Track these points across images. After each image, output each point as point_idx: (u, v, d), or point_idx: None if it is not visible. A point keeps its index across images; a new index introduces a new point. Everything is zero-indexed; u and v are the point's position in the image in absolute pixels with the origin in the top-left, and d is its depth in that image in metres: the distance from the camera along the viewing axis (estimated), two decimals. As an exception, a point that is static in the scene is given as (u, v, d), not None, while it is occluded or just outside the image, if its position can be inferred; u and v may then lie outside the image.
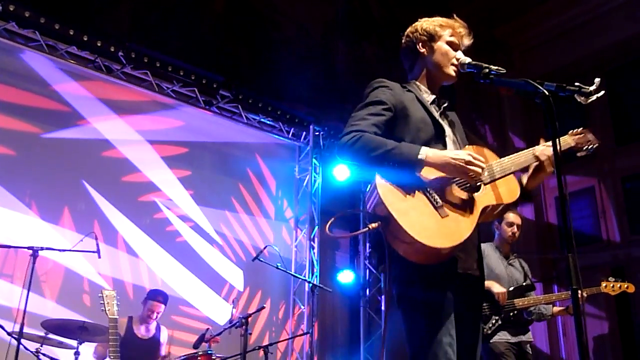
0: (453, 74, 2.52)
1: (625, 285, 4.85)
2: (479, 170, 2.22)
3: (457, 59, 2.50)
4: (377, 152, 2.19)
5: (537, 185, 2.53)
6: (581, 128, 2.70)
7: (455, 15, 2.62)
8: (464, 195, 2.28)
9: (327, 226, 2.25)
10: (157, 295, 5.63)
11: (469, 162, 2.20)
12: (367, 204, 2.26)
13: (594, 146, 2.67)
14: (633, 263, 8.63)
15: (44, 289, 5.96)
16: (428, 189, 2.22)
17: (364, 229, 2.19)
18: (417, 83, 2.58)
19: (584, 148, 2.66)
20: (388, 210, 2.12)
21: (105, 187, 6.61)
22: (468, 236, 2.17)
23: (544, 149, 2.45)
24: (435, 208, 2.18)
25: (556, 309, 4.99)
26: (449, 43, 2.54)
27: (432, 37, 2.55)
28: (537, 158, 2.45)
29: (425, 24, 2.59)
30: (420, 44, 2.57)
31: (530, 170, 2.49)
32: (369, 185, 2.26)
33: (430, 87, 2.57)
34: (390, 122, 2.39)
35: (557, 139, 1.93)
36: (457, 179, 2.28)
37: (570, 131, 2.69)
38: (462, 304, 2.29)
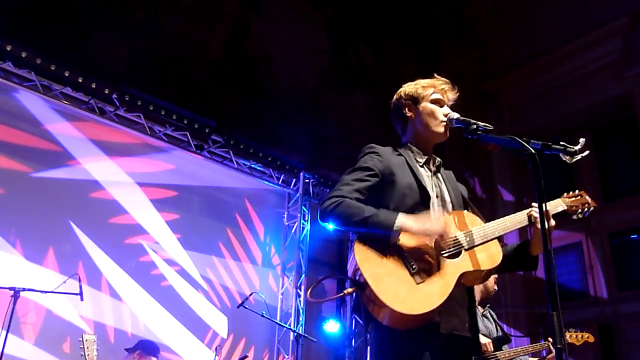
0: (442, 130, 2.54)
1: (587, 336, 4.82)
2: (446, 245, 2.25)
3: (445, 115, 2.53)
4: (355, 219, 2.25)
5: (541, 250, 2.40)
6: (577, 190, 2.65)
7: (436, 75, 2.67)
8: (442, 261, 2.27)
9: (308, 293, 2.27)
10: (158, 351, 5.51)
11: (441, 236, 2.23)
12: (348, 267, 2.28)
13: (590, 209, 2.61)
14: (620, 320, 8.59)
15: (23, 331, 5.83)
16: (405, 255, 2.23)
17: (340, 294, 2.25)
18: (410, 146, 2.60)
19: (579, 211, 2.60)
20: (364, 276, 2.16)
21: (92, 229, 6.56)
22: (442, 302, 2.16)
23: (536, 209, 2.40)
24: (411, 274, 2.20)
25: None
26: (433, 101, 2.58)
27: (415, 100, 2.59)
28: (530, 219, 2.42)
29: (408, 88, 2.65)
30: (406, 108, 2.62)
31: (533, 236, 2.46)
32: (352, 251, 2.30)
33: (422, 148, 2.59)
34: (376, 187, 2.42)
35: (543, 196, 1.94)
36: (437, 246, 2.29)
37: (565, 194, 2.64)
38: None
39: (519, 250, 2.50)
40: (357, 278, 2.20)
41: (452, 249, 2.29)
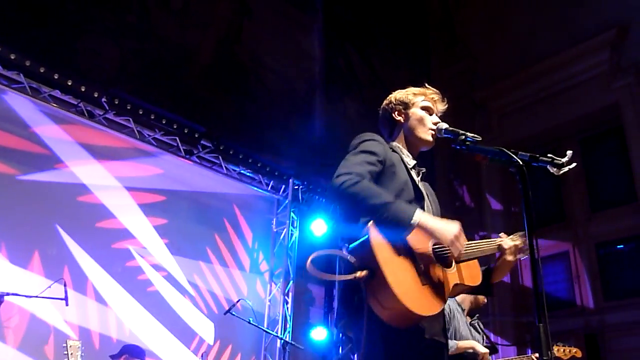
0: (430, 138, 2.57)
1: (574, 350, 4.88)
2: (459, 249, 2.20)
3: (434, 123, 2.55)
4: (373, 201, 2.11)
5: (500, 278, 2.60)
6: (521, 232, 2.60)
7: (427, 85, 2.71)
8: (439, 268, 2.26)
9: (309, 261, 2.12)
10: (144, 355, 5.47)
11: (457, 237, 2.18)
12: (354, 252, 2.17)
13: (525, 255, 2.63)
14: (606, 330, 8.63)
15: (7, 335, 5.76)
16: (414, 253, 2.19)
17: (350, 276, 2.08)
18: (399, 146, 2.60)
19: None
20: (379, 264, 2.06)
21: (79, 233, 6.50)
22: (441, 308, 2.19)
23: (506, 241, 2.54)
24: (418, 274, 2.16)
25: None
26: (424, 108, 2.61)
27: (406, 105, 2.62)
28: (500, 248, 2.52)
29: (399, 94, 2.67)
30: (395, 112, 2.64)
31: (497, 263, 2.56)
32: (360, 235, 2.19)
33: (410, 151, 2.61)
34: (378, 175, 2.36)
35: (530, 206, 1.95)
36: (435, 250, 2.27)
37: (516, 233, 2.64)
38: None
39: (483, 275, 2.52)
40: (367, 264, 2.09)
41: (446, 253, 2.28)
